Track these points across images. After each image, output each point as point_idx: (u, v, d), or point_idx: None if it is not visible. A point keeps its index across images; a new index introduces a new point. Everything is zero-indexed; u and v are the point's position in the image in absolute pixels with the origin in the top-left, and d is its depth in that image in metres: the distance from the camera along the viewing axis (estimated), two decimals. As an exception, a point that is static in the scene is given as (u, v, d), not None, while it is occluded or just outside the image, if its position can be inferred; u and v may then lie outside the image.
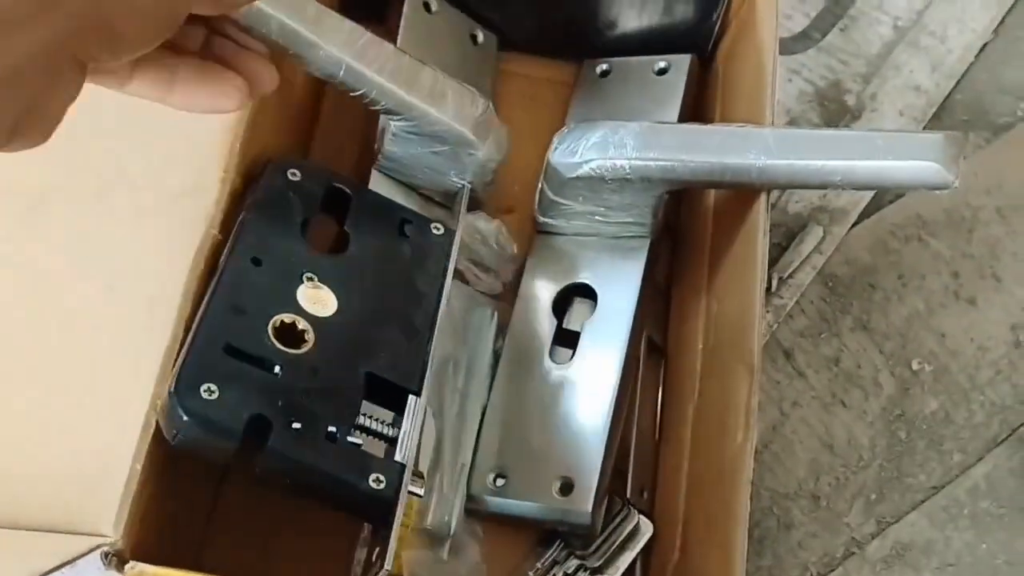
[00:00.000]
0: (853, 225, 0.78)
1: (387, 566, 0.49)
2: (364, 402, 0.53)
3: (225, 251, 0.53)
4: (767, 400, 0.73)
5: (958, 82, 0.83)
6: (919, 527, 0.71)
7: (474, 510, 0.61)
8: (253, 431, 0.49)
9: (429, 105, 0.58)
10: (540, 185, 0.65)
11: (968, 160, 0.80)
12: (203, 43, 0.47)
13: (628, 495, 0.63)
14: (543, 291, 0.66)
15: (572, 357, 0.63)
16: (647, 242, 0.65)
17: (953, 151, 0.54)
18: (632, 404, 0.65)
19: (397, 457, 0.52)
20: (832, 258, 0.77)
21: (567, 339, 0.64)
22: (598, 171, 0.60)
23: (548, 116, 0.72)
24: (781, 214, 0.77)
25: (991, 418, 0.74)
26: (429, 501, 0.60)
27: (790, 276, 0.75)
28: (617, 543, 0.62)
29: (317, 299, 0.54)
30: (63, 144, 0.38)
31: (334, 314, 0.54)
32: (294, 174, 0.57)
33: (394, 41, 0.64)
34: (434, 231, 0.60)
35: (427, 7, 0.69)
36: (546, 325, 0.64)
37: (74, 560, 0.45)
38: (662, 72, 0.71)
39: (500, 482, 0.61)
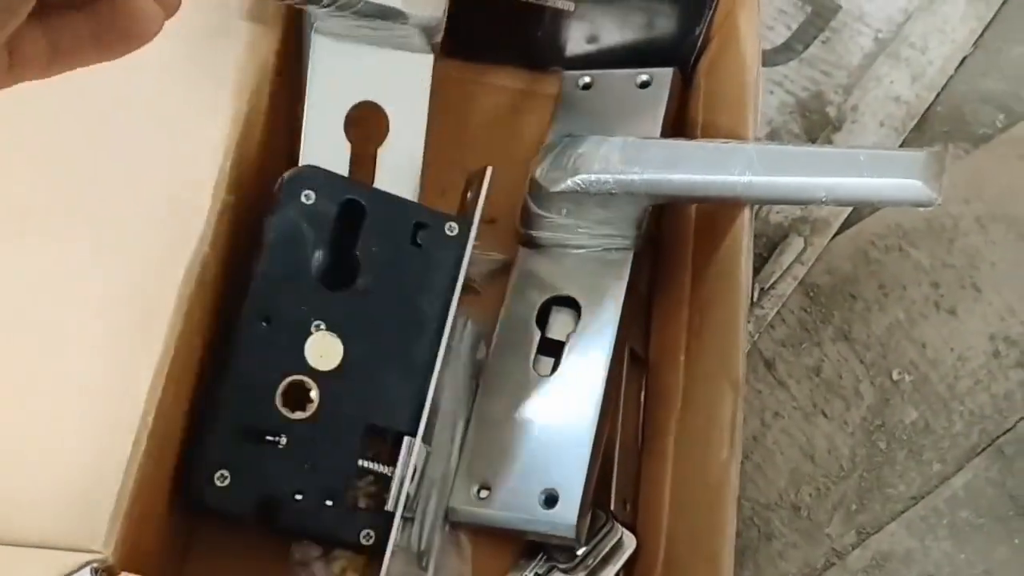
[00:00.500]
0: (834, 236, 0.78)
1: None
2: (360, 461, 0.57)
3: (239, 304, 0.56)
4: (748, 410, 0.74)
5: (938, 93, 0.83)
6: (899, 537, 0.71)
7: (458, 522, 0.61)
8: (263, 509, 0.55)
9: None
10: (524, 199, 0.65)
11: (948, 170, 0.80)
12: None
13: (611, 507, 0.63)
14: (527, 303, 0.66)
15: (556, 369, 0.63)
16: (630, 254, 0.65)
17: (936, 168, 0.54)
18: (615, 415, 0.65)
19: (388, 507, 0.55)
20: (813, 268, 0.77)
21: (551, 352, 0.64)
22: (582, 185, 0.61)
23: (529, 128, 0.73)
24: (762, 224, 0.77)
25: (970, 428, 0.74)
26: (414, 518, 0.61)
27: (771, 286, 0.76)
28: (600, 556, 0.62)
29: (324, 351, 0.57)
30: (53, 161, 0.38)
31: (339, 366, 0.57)
32: (308, 196, 0.57)
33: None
34: (448, 232, 0.60)
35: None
36: (530, 337, 0.65)
37: (66, 576, 0.45)
38: (644, 85, 0.71)
39: (484, 494, 0.61)
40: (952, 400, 0.75)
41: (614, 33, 0.71)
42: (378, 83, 0.62)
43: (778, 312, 0.76)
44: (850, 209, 0.78)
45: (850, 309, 0.77)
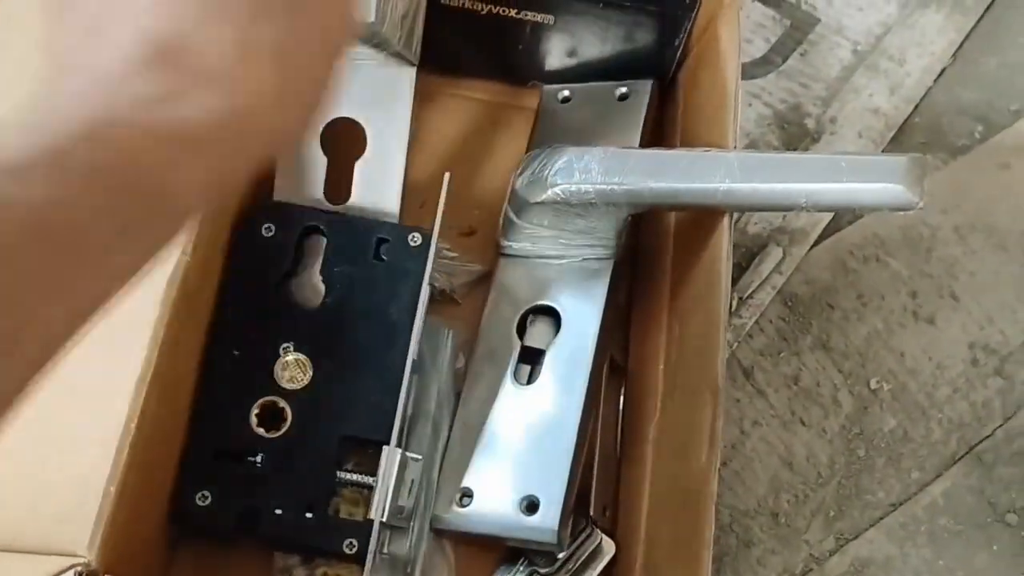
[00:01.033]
0: (812, 246, 0.79)
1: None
2: (339, 472, 0.59)
3: (209, 335, 0.59)
4: (727, 419, 0.74)
5: (917, 105, 0.84)
6: (877, 543, 0.72)
7: (442, 530, 0.62)
8: (244, 521, 0.57)
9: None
10: (504, 209, 0.66)
11: (926, 181, 0.82)
12: None
13: (591, 512, 0.64)
14: (507, 313, 0.66)
15: (537, 378, 0.64)
16: (610, 264, 0.66)
17: (917, 172, 0.55)
18: (595, 423, 0.66)
19: (372, 515, 0.56)
20: (792, 278, 0.78)
21: (531, 361, 0.65)
22: (563, 196, 0.61)
23: (509, 140, 0.73)
24: (740, 235, 0.78)
25: (949, 436, 0.75)
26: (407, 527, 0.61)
27: (750, 296, 0.77)
28: (580, 562, 0.63)
29: (294, 371, 0.60)
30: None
31: (309, 384, 0.60)
32: (268, 229, 0.60)
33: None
34: (411, 242, 0.62)
35: None
36: (510, 347, 0.65)
37: (50, 580, 0.46)
38: (623, 98, 0.72)
39: (466, 501, 0.61)
40: (931, 408, 0.76)
41: (593, 46, 0.71)
42: (357, 97, 0.63)
43: (756, 321, 0.76)
44: (828, 219, 0.79)
45: (828, 318, 0.77)
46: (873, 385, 0.76)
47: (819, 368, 0.76)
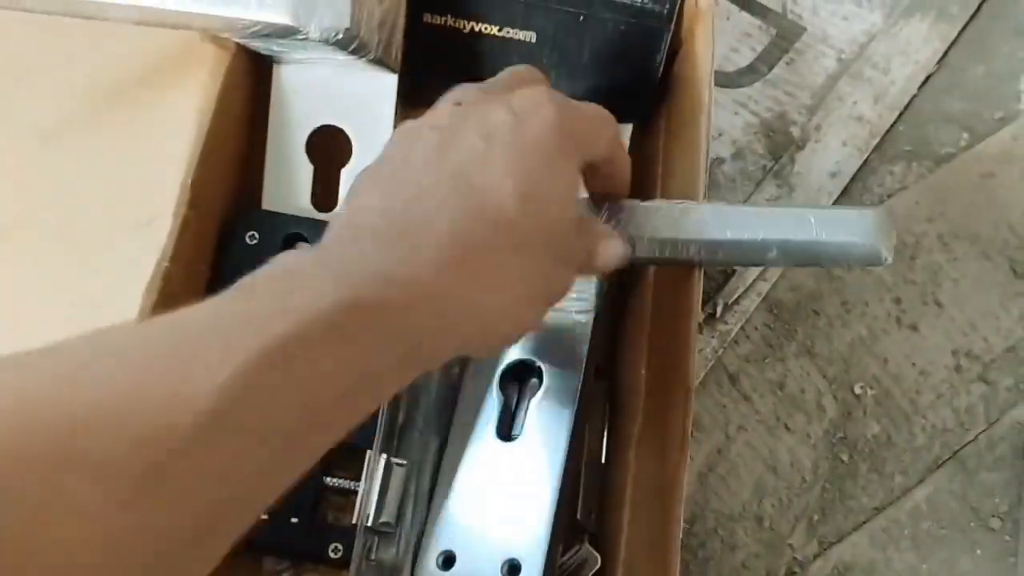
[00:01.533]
0: (798, 253, 0.79)
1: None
2: (325, 477, 0.61)
3: None
4: (712, 424, 0.75)
5: (901, 113, 0.85)
6: (861, 548, 0.72)
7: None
8: None
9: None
10: None
11: (911, 189, 0.82)
12: None
13: (578, 517, 0.64)
14: (489, 368, 0.66)
15: (520, 435, 0.64)
16: (591, 317, 0.65)
17: (886, 227, 0.55)
18: (582, 432, 0.66)
19: (355, 520, 0.56)
20: (777, 285, 0.79)
21: (514, 417, 0.65)
22: None
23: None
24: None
25: (932, 441, 0.76)
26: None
27: (735, 302, 0.77)
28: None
29: None
30: (20, 180, 0.39)
31: None
32: (252, 237, 0.61)
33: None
34: None
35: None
36: (492, 403, 0.65)
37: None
38: None
39: (448, 565, 0.61)
40: (914, 414, 0.76)
41: (576, 68, 0.71)
42: (340, 105, 0.64)
43: (742, 328, 0.77)
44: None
45: (813, 325, 0.78)
46: (857, 391, 0.76)
47: (804, 374, 0.77)
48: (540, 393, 0.64)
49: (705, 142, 0.62)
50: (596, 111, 0.53)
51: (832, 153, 0.82)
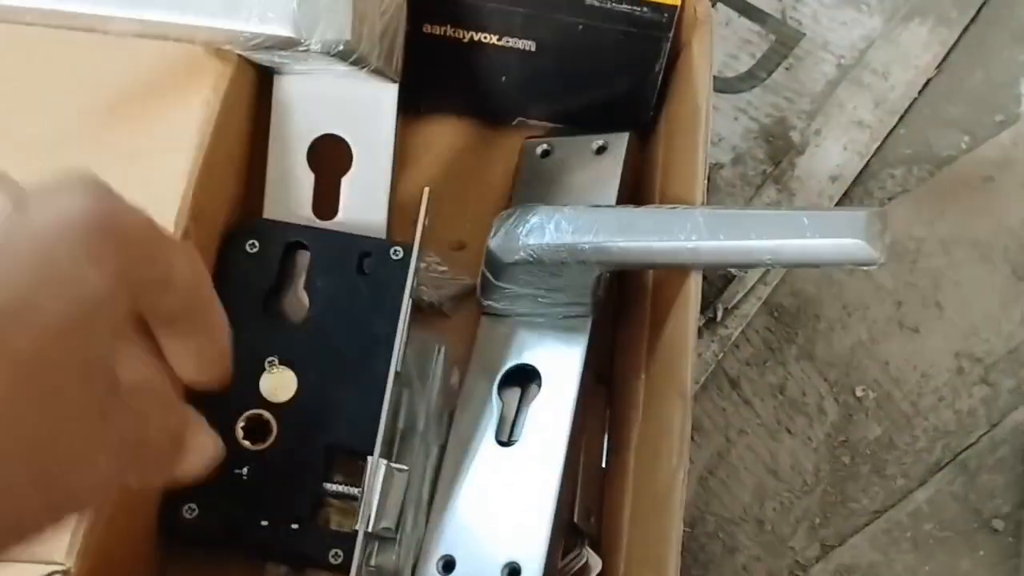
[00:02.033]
0: (798, 257, 0.80)
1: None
2: (325, 483, 0.60)
3: None
4: (713, 428, 0.75)
5: (901, 117, 0.85)
6: (862, 550, 0.73)
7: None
8: (231, 532, 0.59)
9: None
10: (481, 270, 0.66)
11: (912, 193, 0.83)
12: None
13: (576, 519, 0.65)
14: (488, 373, 0.66)
15: (518, 439, 0.64)
16: (588, 321, 0.66)
17: (878, 227, 0.54)
18: (580, 436, 0.66)
19: (357, 526, 0.57)
20: (777, 289, 0.79)
21: (512, 421, 0.65)
22: (536, 255, 0.61)
23: (500, 156, 0.74)
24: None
25: (933, 443, 0.76)
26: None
27: (735, 306, 0.78)
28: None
29: (278, 385, 0.61)
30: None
31: (295, 396, 0.61)
32: (252, 245, 0.62)
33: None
34: (393, 256, 0.63)
35: None
36: (491, 408, 0.65)
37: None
38: (601, 150, 0.71)
39: (447, 570, 0.61)
40: (915, 416, 0.77)
41: (572, 97, 0.73)
42: (341, 115, 0.64)
43: (743, 332, 0.78)
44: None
45: (814, 328, 0.78)
46: (858, 394, 0.77)
47: (804, 377, 0.77)
48: (539, 398, 0.64)
49: (704, 148, 0.63)
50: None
51: (832, 157, 0.83)
